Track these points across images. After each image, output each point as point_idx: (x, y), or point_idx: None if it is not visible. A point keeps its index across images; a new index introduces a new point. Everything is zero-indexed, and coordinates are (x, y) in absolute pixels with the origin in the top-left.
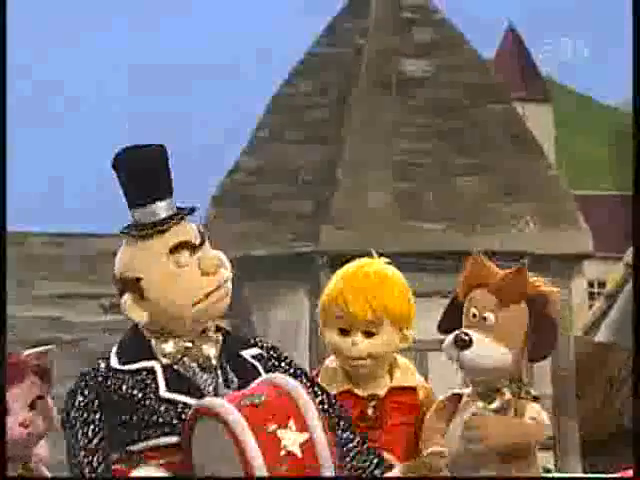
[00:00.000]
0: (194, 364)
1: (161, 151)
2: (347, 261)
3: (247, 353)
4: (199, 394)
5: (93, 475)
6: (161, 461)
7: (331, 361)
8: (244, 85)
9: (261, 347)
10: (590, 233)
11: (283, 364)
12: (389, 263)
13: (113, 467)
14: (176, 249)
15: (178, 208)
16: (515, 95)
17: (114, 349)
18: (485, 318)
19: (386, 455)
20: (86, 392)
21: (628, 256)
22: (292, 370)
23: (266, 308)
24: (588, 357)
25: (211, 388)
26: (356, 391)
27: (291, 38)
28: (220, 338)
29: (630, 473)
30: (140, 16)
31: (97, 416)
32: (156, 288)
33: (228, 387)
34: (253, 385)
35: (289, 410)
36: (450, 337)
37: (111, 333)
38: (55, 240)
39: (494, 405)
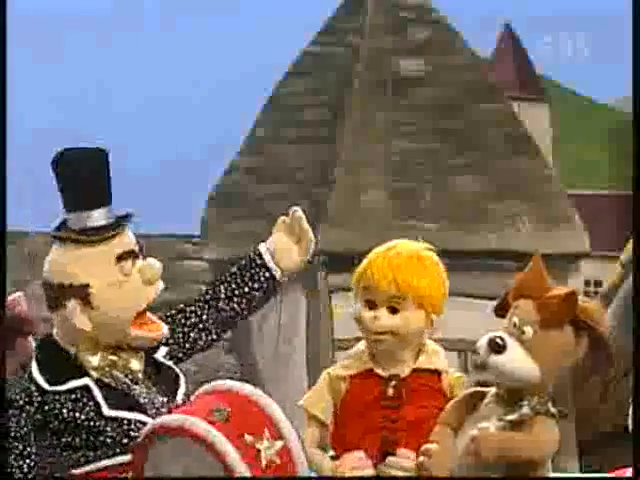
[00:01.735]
0: (125, 378)
1: (104, 155)
2: (343, 260)
3: (159, 355)
4: (139, 408)
5: None
6: None
7: (359, 345)
8: (241, 85)
9: (165, 344)
10: (586, 232)
11: (180, 328)
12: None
13: None
14: (122, 257)
15: (117, 216)
16: (511, 94)
17: (34, 367)
18: (524, 332)
19: (403, 450)
20: (22, 422)
21: (624, 255)
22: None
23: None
24: (585, 356)
25: (147, 400)
26: (377, 370)
27: (288, 37)
28: (140, 351)
29: (626, 472)
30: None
31: (34, 449)
32: (103, 296)
33: (163, 395)
34: (206, 396)
35: (260, 419)
36: (485, 338)
37: None
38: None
39: (510, 417)
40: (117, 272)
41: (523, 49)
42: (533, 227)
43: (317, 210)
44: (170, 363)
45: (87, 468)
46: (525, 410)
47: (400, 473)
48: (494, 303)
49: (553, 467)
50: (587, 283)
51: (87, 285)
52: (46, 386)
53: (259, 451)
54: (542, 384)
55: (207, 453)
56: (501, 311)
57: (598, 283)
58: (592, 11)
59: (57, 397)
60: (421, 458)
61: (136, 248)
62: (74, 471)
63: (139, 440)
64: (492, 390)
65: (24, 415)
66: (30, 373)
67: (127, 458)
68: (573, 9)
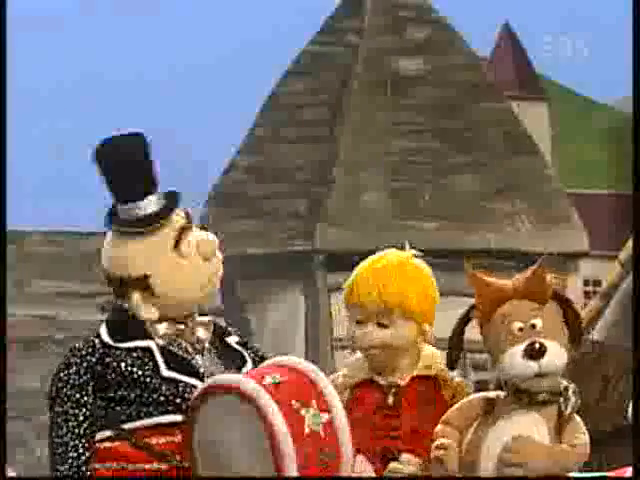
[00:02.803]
0: (188, 345)
1: (143, 139)
2: (342, 260)
3: (231, 340)
4: (196, 374)
5: (76, 461)
6: (161, 440)
7: (359, 353)
8: (240, 84)
9: (238, 335)
10: (585, 231)
11: (258, 352)
12: (417, 257)
13: (108, 445)
14: (178, 241)
15: (165, 195)
16: (510, 94)
17: (103, 327)
18: (534, 325)
19: (405, 456)
20: (82, 371)
21: (623, 254)
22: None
23: (262, 307)
24: (583, 356)
25: (206, 370)
26: (377, 379)
27: (287, 37)
28: (210, 322)
29: (626, 471)
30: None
31: (90, 399)
32: (165, 283)
33: (222, 368)
34: (264, 367)
35: (310, 390)
36: (516, 353)
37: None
38: (51, 239)
39: (569, 410)
40: (175, 257)
41: (522, 49)
42: (532, 226)
43: (316, 209)
44: (240, 348)
45: (138, 423)
46: (573, 398)
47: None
48: None
49: None
50: (586, 282)
51: (147, 276)
52: (110, 342)
53: (303, 418)
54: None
55: (253, 412)
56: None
57: (597, 282)
58: (592, 11)
59: (118, 352)
60: (436, 452)
61: (185, 221)
62: (125, 426)
63: (192, 399)
64: (499, 394)
65: (84, 364)
66: (97, 330)
67: (178, 418)
68: (573, 9)
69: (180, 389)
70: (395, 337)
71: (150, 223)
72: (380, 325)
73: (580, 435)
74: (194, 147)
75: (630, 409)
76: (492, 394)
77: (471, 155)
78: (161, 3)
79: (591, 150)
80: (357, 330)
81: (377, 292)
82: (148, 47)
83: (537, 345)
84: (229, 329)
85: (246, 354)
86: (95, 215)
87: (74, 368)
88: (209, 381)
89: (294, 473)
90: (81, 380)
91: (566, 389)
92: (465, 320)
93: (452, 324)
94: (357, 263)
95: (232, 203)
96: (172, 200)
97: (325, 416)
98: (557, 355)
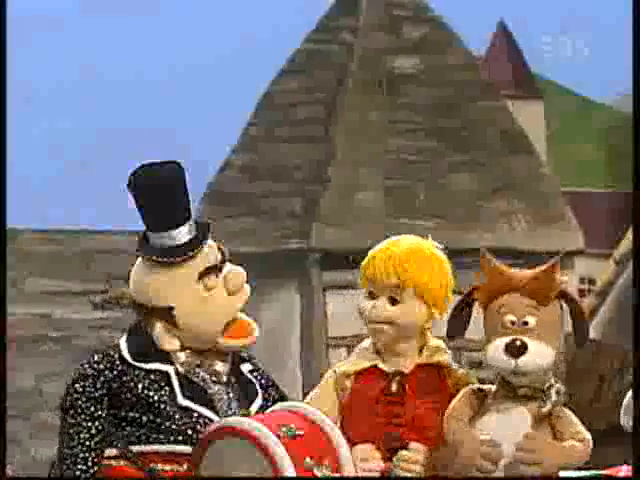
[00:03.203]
0: (206, 376)
1: (179, 169)
2: (337, 258)
3: (245, 368)
4: (212, 406)
5: (84, 474)
6: (167, 467)
7: (367, 340)
8: (235, 83)
9: (251, 362)
10: (580, 230)
11: (269, 381)
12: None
13: (112, 463)
14: (204, 274)
15: (196, 226)
16: (506, 93)
17: (124, 342)
18: (526, 322)
19: (414, 444)
20: (98, 384)
21: (618, 252)
22: (271, 384)
23: (256, 305)
24: (579, 354)
25: (222, 403)
26: (381, 366)
27: (287, 37)
28: (228, 355)
29: (620, 470)
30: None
31: (104, 413)
32: (188, 315)
33: (237, 403)
34: (279, 411)
35: (324, 447)
36: (499, 346)
37: (100, 331)
38: (46, 237)
39: (545, 408)
40: (200, 290)
41: (518, 48)
42: (528, 225)
43: (311, 208)
44: (252, 378)
45: (147, 448)
46: (554, 398)
47: (413, 467)
48: None
49: None
50: (581, 280)
51: (171, 308)
52: (130, 360)
53: (315, 476)
54: (555, 366)
55: (266, 463)
56: (456, 330)
57: (592, 281)
58: (592, 11)
59: (137, 372)
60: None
61: (219, 261)
62: (132, 447)
63: (204, 434)
64: (491, 387)
65: (102, 379)
66: (118, 345)
67: (188, 449)
68: (572, 9)
69: (194, 419)
70: (404, 314)
71: (180, 255)
72: (391, 300)
73: (581, 427)
74: (194, 147)
75: (622, 415)
76: (486, 387)
77: (467, 154)
78: (161, 3)
79: (587, 149)
80: (367, 302)
81: (394, 266)
82: (148, 47)
83: (518, 342)
84: (244, 355)
85: (257, 385)
86: (94, 215)
87: (90, 380)
88: (228, 420)
89: None
90: (97, 394)
91: (549, 387)
92: (469, 295)
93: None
94: (353, 262)
95: (227, 202)
96: (204, 231)
97: (336, 476)
98: (538, 355)
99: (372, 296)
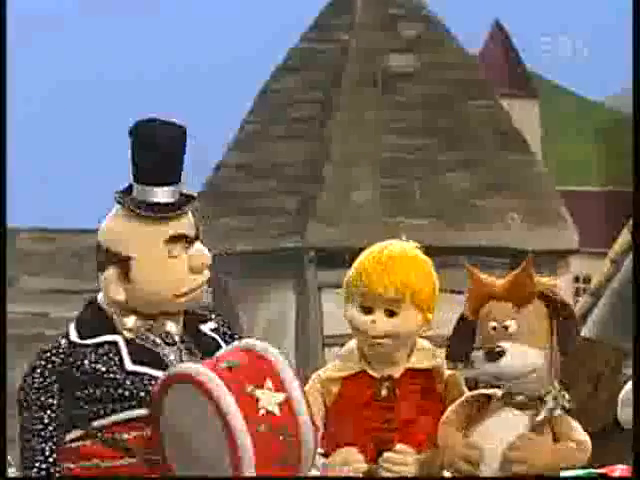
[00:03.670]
0: (157, 338)
1: (182, 133)
2: (333, 257)
3: (206, 327)
4: (164, 366)
5: (43, 464)
6: (129, 435)
7: (350, 344)
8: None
9: (216, 321)
10: (576, 229)
11: (235, 336)
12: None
13: (79, 444)
14: (172, 239)
15: (181, 195)
16: (501, 91)
17: (72, 325)
18: (506, 327)
19: (400, 446)
20: (46, 373)
21: (613, 251)
22: (237, 338)
23: (252, 304)
24: (574, 353)
25: (174, 361)
26: (370, 372)
27: (277, 34)
28: (181, 315)
29: (615, 469)
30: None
31: (55, 400)
32: (144, 272)
33: (191, 359)
34: (223, 352)
35: (265, 371)
36: (478, 355)
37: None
38: (43, 236)
39: (540, 417)
40: (164, 252)
41: (513, 47)
42: (523, 224)
43: (307, 207)
44: (215, 335)
45: (105, 420)
46: (550, 405)
47: (397, 468)
48: None
49: None
50: (576, 279)
51: (130, 257)
52: (77, 340)
53: (258, 400)
54: (549, 369)
55: (206, 397)
56: (459, 350)
57: (587, 280)
58: (592, 11)
59: (83, 350)
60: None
61: (191, 233)
62: (94, 423)
63: (153, 392)
64: (496, 392)
65: (49, 366)
66: (67, 330)
67: (143, 412)
68: (573, 9)
69: (145, 382)
70: (404, 325)
71: (157, 212)
72: (388, 313)
73: (581, 432)
74: (194, 146)
75: (619, 409)
76: (490, 391)
77: (462, 152)
78: (161, 3)
79: (583, 148)
80: (364, 318)
81: (389, 279)
82: (148, 47)
83: (494, 347)
84: (208, 315)
85: (220, 340)
86: (93, 214)
87: (38, 371)
88: (167, 372)
89: (249, 455)
90: (45, 382)
91: (547, 394)
92: (462, 316)
93: (441, 321)
94: (348, 260)
95: (222, 200)
96: (188, 200)
97: (281, 395)
98: (519, 357)
99: (366, 310)
